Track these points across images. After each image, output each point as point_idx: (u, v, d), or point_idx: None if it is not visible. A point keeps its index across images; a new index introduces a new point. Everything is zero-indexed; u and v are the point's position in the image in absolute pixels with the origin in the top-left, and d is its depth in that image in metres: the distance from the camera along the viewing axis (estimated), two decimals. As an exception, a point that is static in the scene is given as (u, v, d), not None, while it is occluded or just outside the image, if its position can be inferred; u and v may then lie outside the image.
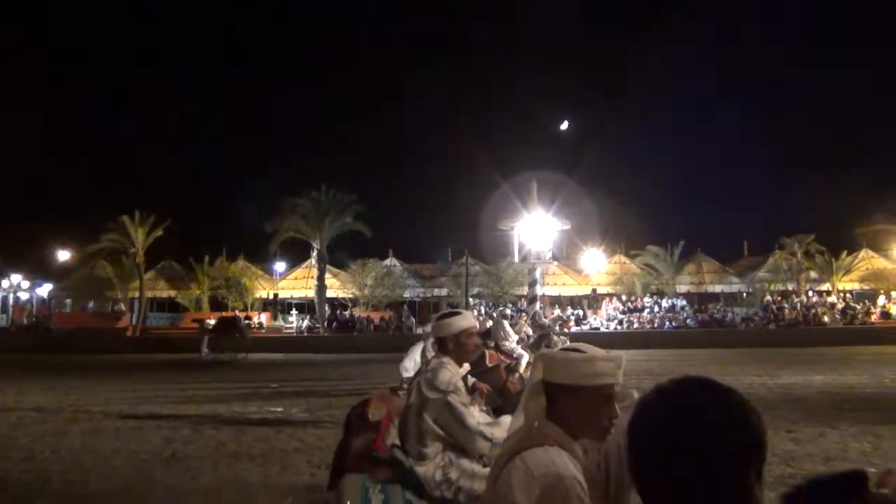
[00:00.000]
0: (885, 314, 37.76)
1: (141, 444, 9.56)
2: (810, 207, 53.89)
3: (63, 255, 48.59)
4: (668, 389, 1.18)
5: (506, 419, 3.57)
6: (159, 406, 13.43)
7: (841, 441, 8.80)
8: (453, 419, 3.27)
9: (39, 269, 48.09)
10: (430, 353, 5.77)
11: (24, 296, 49.57)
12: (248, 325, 34.51)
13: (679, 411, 1.15)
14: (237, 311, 39.80)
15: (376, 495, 2.80)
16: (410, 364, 7.66)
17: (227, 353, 28.56)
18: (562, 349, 2.12)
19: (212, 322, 31.12)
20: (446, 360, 3.46)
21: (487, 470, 3.17)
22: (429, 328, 6.84)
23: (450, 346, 3.52)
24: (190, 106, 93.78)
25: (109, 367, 23.96)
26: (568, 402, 1.98)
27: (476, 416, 3.60)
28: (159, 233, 41.70)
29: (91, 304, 46.81)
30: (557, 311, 35.79)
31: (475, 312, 29.86)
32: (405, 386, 7.40)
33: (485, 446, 3.28)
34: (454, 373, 3.40)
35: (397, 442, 3.83)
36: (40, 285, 47.70)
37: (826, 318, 36.57)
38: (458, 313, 3.71)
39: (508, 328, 9.31)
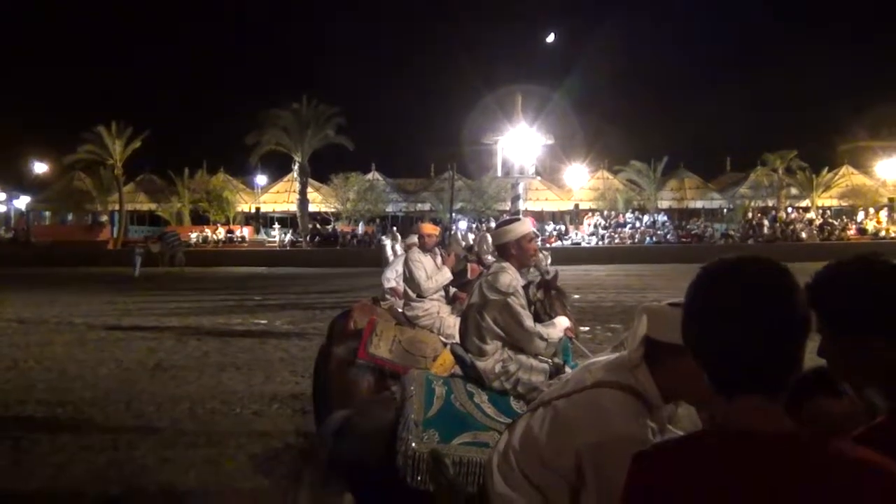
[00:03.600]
0: (862, 230, 38.27)
1: (126, 354, 9.66)
2: (795, 124, 53.54)
3: (40, 167, 47.49)
4: (728, 261, 1.21)
5: (561, 320, 3.73)
6: (143, 318, 13.51)
7: (811, 353, 9.06)
8: (512, 320, 3.38)
9: (15, 181, 47.08)
10: (417, 261, 5.77)
11: (0, 208, 48.81)
12: (185, 242, 35.58)
13: (729, 279, 1.18)
14: (174, 228, 40.26)
15: (440, 387, 2.94)
16: (392, 275, 7.70)
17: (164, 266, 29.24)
18: (668, 304, 1.86)
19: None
20: (506, 264, 3.54)
21: (544, 364, 3.35)
22: (412, 239, 6.83)
23: (512, 251, 3.59)
24: (171, 16, 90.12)
25: (91, 279, 23.95)
26: (671, 364, 1.78)
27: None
28: (137, 144, 40.87)
29: (70, 217, 46.28)
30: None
31: (455, 227, 29.85)
32: (387, 297, 7.45)
33: (541, 346, 3.42)
34: (514, 276, 3.49)
35: (456, 339, 3.91)
36: (17, 197, 46.80)
37: (804, 235, 37.02)
38: (517, 219, 3.82)
39: (490, 242, 9.34)
